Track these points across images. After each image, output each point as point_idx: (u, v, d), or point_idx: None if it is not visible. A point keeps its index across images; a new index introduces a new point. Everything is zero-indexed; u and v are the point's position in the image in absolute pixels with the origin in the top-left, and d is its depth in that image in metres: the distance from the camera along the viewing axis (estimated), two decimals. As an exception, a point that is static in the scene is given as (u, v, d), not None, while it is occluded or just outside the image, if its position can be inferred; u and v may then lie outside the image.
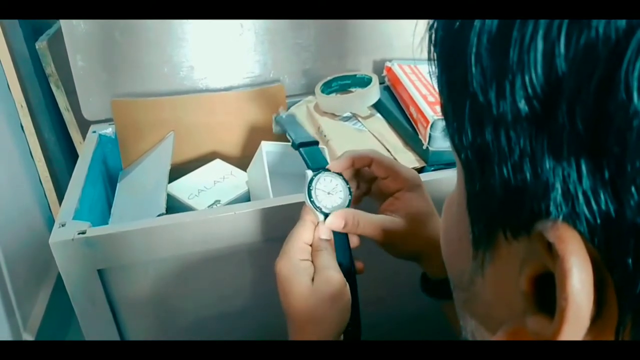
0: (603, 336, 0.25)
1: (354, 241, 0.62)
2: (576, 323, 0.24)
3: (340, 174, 0.63)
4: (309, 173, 0.62)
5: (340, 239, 0.61)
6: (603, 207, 0.22)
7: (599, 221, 0.23)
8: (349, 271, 0.60)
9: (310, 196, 0.60)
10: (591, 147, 0.22)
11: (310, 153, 0.65)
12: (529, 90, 0.23)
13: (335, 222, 0.60)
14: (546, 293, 0.26)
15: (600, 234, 0.23)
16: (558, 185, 0.23)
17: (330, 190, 0.61)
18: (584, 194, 0.23)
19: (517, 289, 0.27)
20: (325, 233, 0.60)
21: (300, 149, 0.66)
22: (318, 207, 0.60)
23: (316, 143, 0.67)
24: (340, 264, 0.59)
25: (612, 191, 0.22)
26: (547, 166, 0.23)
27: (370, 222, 0.60)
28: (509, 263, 0.28)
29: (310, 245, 0.60)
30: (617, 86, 0.20)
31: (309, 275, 0.57)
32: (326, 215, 0.60)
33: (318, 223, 0.61)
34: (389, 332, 0.88)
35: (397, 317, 0.92)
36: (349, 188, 0.62)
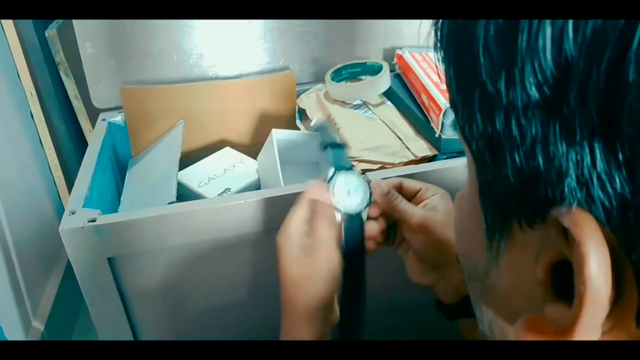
0: (623, 321, 0.25)
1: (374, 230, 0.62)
2: (596, 307, 0.24)
3: (365, 176, 0.63)
4: (331, 170, 0.62)
5: (354, 226, 0.61)
6: (618, 189, 0.22)
7: (614, 204, 0.23)
8: (357, 258, 0.60)
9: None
10: (604, 129, 0.22)
11: (336, 153, 0.66)
12: (539, 76, 0.23)
13: (380, 185, 0.62)
14: (563, 281, 0.26)
15: (616, 216, 0.23)
16: (572, 170, 0.23)
17: (350, 190, 0.62)
18: (599, 177, 0.23)
19: (533, 277, 0.27)
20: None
21: (328, 148, 0.66)
22: (334, 205, 0.60)
23: (344, 146, 0.68)
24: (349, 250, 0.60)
25: (627, 173, 0.22)
26: (560, 151, 0.23)
27: (410, 204, 0.63)
28: (525, 252, 0.28)
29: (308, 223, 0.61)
30: (627, 67, 0.20)
31: (299, 245, 0.59)
32: (342, 213, 0.61)
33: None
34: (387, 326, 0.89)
35: (396, 309, 0.91)
36: (370, 192, 0.62)
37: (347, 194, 0.61)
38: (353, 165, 0.65)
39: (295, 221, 0.60)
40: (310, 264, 0.57)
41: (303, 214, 0.60)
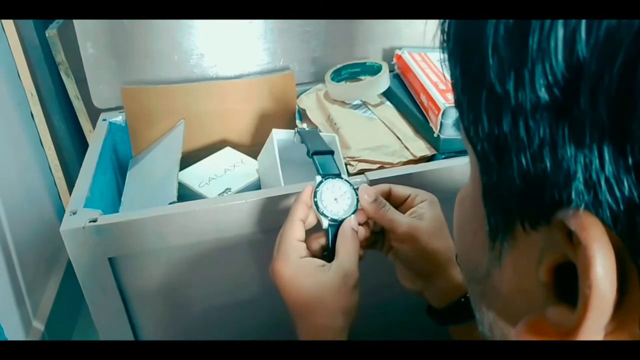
0: (626, 324, 0.25)
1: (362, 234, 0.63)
2: (600, 311, 0.23)
3: (350, 183, 0.64)
4: (318, 178, 0.63)
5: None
6: (626, 193, 0.22)
7: (622, 207, 0.22)
8: None
9: (315, 198, 0.61)
10: (614, 132, 0.22)
11: (323, 161, 0.66)
12: (550, 77, 0.23)
13: (367, 192, 0.62)
14: (567, 283, 0.26)
15: (623, 220, 0.23)
16: (580, 173, 0.23)
17: (338, 197, 0.62)
18: (607, 180, 0.22)
19: (536, 279, 0.27)
20: (355, 223, 0.61)
21: (314, 157, 0.67)
22: (321, 211, 0.61)
23: (331, 152, 0.68)
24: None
25: (636, 176, 0.22)
26: (569, 154, 0.23)
27: (397, 212, 0.62)
28: (528, 253, 0.28)
29: (304, 242, 0.61)
30: None
31: (314, 266, 0.59)
32: (329, 219, 0.61)
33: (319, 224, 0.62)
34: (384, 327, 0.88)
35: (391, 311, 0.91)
36: (357, 199, 0.62)
37: (334, 201, 0.62)
38: (340, 172, 0.65)
39: (292, 240, 0.60)
40: (319, 280, 0.57)
41: (297, 235, 0.60)
